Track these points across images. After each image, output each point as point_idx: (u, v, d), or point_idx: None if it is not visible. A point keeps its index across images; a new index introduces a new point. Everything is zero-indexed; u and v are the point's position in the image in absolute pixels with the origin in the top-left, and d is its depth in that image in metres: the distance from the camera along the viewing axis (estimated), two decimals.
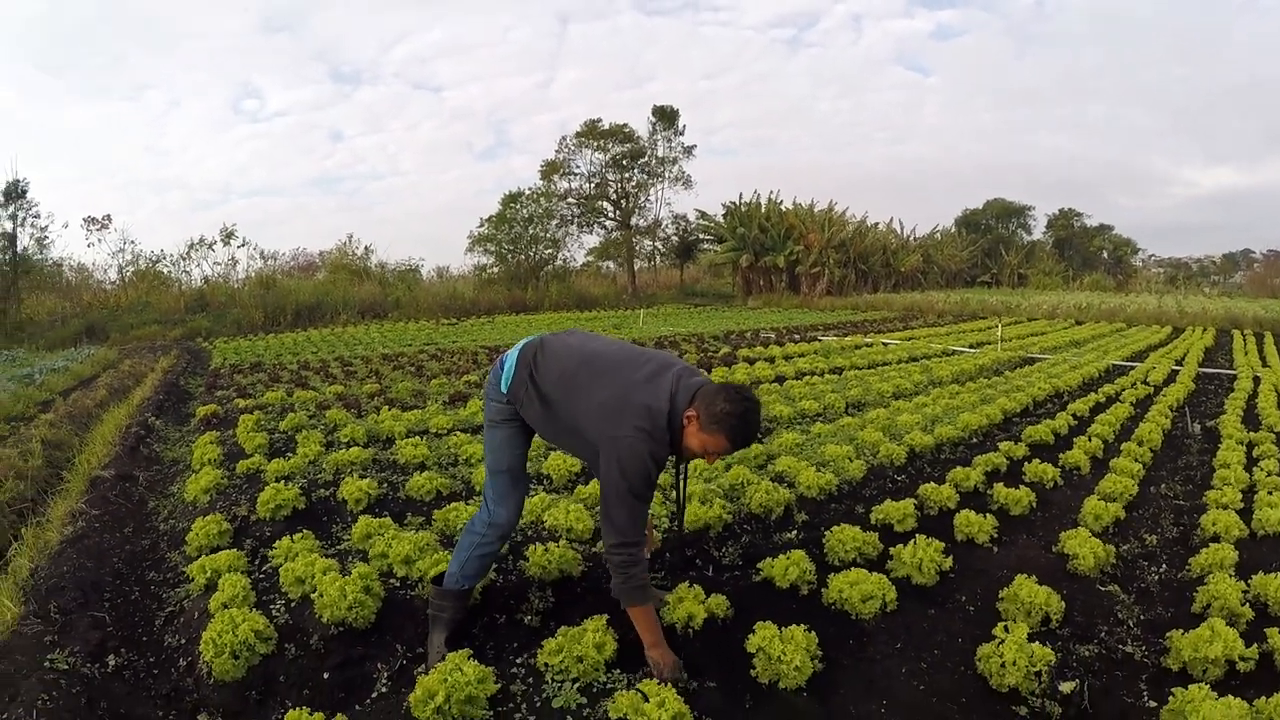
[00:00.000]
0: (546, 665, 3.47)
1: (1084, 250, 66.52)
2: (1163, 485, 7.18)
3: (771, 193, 52.70)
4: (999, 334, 20.60)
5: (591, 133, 50.38)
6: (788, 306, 43.39)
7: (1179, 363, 17.14)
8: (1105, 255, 67.47)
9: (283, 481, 6.33)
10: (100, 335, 30.55)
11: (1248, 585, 4.50)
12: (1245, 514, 6.07)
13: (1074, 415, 10.07)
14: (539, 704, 3.31)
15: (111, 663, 3.87)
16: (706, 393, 3.29)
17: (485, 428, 3.87)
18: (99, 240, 47.46)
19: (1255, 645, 3.69)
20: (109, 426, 10.19)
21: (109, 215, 39.80)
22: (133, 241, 41.84)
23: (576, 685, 3.40)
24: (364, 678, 3.69)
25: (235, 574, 4.38)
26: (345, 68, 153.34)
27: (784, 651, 3.45)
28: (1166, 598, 4.67)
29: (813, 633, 3.62)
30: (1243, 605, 4.23)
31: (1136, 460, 7.59)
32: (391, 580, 4.59)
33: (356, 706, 3.42)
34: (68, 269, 38.72)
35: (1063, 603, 4.20)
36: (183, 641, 4.11)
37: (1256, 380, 14.71)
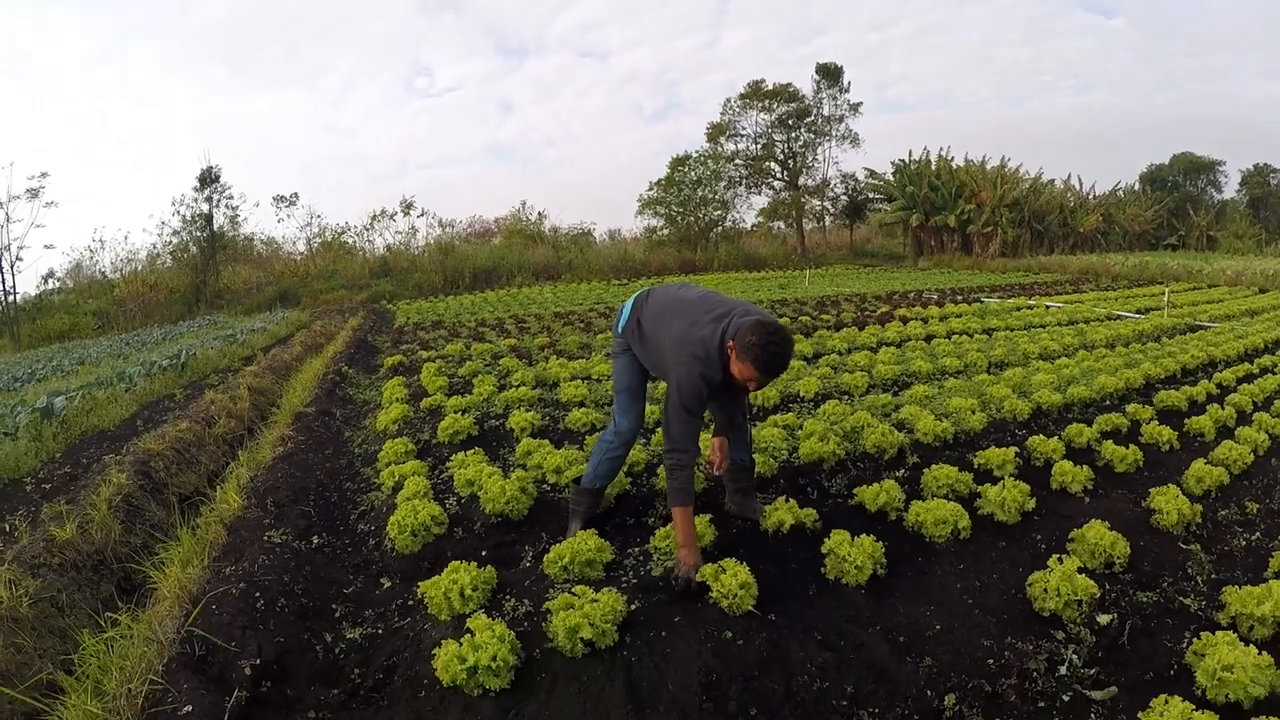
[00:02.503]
0: (655, 548, 4.36)
1: None
2: None
3: (942, 149, 51.33)
4: (1166, 299, 19.99)
5: (756, 94, 50.31)
6: (959, 268, 42.30)
7: None
8: None
9: (460, 414, 7.42)
10: (292, 300, 33.20)
11: None
12: None
13: (1218, 384, 9.81)
14: (643, 573, 4.16)
15: (315, 541, 5.03)
16: (744, 327, 3.86)
17: (611, 358, 4.81)
18: (288, 216, 51.38)
19: None
20: (307, 375, 11.59)
21: (295, 193, 43.09)
22: (318, 215, 45.09)
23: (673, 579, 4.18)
24: (515, 555, 4.69)
25: (417, 477, 5.52)
26: (511, 40, 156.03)
27: (850, 553, 4.15)
28: (1249, 562, 4.77)
29: (880, 543, 4.28)
30: None
31: (1265, 431, 7.43)
32: (544, 485, 5.58)
33: (505, 571, 4.31)
34: (259, 242, 42.46)
35: (1129, 549, 4.50)
36: (372, 528, 5.27)
37: None
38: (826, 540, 4.29)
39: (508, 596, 3.91)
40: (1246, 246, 51.03)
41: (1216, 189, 62.97)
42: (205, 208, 36.59)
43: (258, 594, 3.97)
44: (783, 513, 4.66)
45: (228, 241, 38.03)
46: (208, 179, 36.48)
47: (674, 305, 4.34)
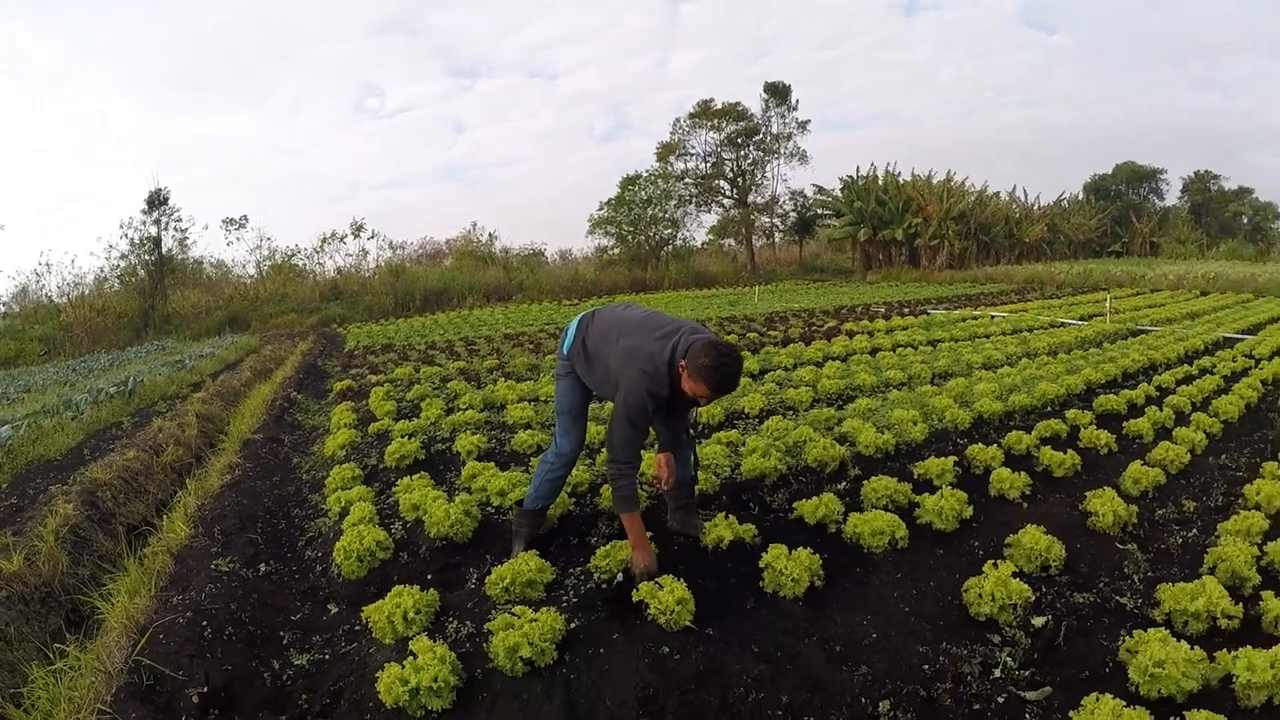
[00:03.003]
0: (596, 567, 4.41)
1: (1221, 216, 62.73)
2: (1225, 456, 7.22)
3: (889, 165, 51.82)
4: (1109, 305, 20.37)
5: (705, 113, 50.52)
6: (907, 280, 42.78)
7: None
8: (1244, 221, 63.64)
9: (407, 438, 7.46)
10: (242, 325, 32.82)
11: (1263, 552, 4.64)
12: None
13: (1158, 386, 10.02)
14: (583, 591, 4.23)
15: (262, 569, 5.06)
16: (695, 348, 4.02)
17: (555, 380, 4.84)
18: (237, 238, 50.62)
19: (1242, 606, 3.94)
20: (255, 401, 11.50)
21: (245, 215, 42.24)
22: (268, 238, 44.41)
23: (615, 580, 4.29)
24: (459, 578, 4.75)
25: (363, 502, 5.58)
26: (462, 62, 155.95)
27: (787, 566, 4.24)
28: (1185, 559, 4.89)
29: (817, 556, 4.38)
30: (1251, 570, 4.36)
31: (1202, 431, 7.63)
32: (489, 508, 5.67)
33: (448, 594, 4.36)
34: (209, 266, 41.78)
35: (1064, 552, 4.63)
36: (319, 555, 5.30)
37: None
38: (764, 554, 4.37)
39: (450, 618, 3.95)
40: (1189, 251, 52.27)
41: (1159, 196, 64.67)
42: (153, 230, 35.98)
43: (205, 622, 3.98)
44: (722, 529, 4.74)
45: (176, 265, 37.46)
46: (156, 201, 35.89)
47: (620, 324, 4.44)
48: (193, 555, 5.04)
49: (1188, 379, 10.96)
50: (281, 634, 4.17)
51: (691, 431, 4.98)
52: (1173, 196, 65.16)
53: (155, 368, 17.31)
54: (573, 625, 3.76)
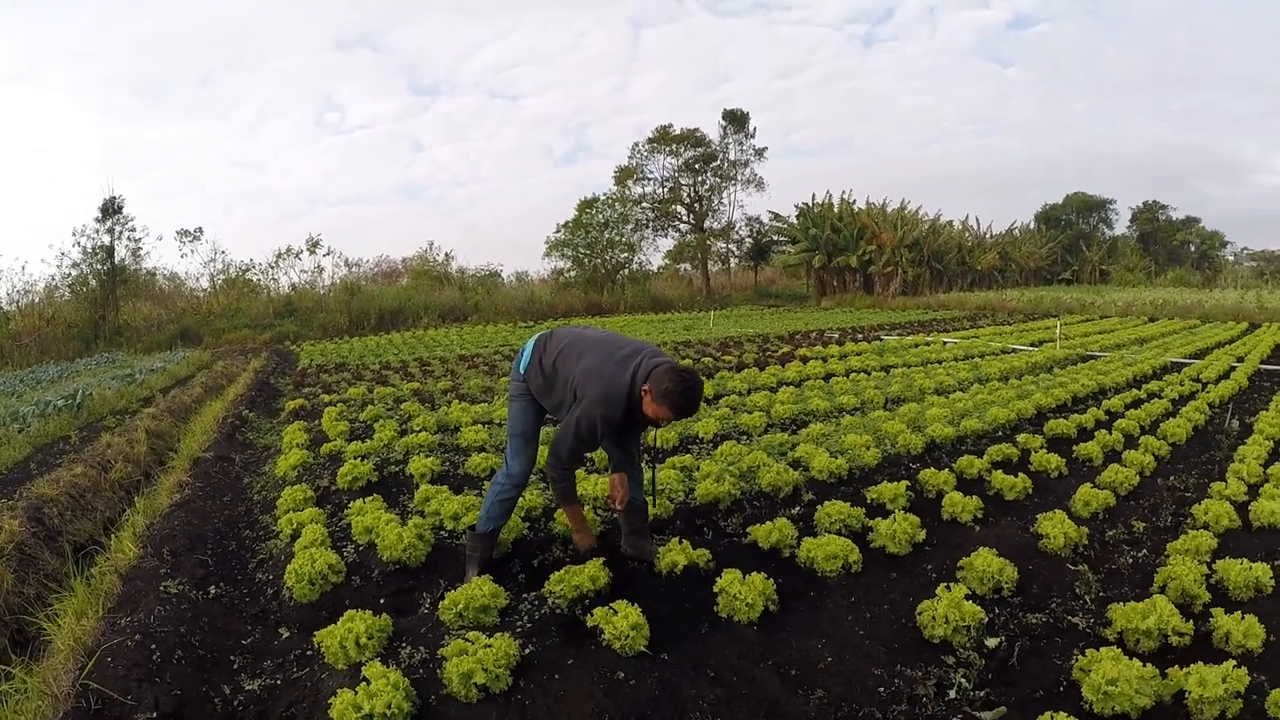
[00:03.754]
0: (550, 592, 4.37)
1: (1168, 244, 64.04)
2: (1173, 478, 7.36)
3: (844, 193, 52.49)
4: (1059, 331, 20.68)
5: (663, 138, 50.95)
6: (861, 307, 43.25)
7: (1240, 359, 16.71)
8: (1191, 249, 64.96)
9: (360, 459, 7.38)
10: (194, 339, 32.25)
11: (1211, 570, 4.74)
12: (1245, 506, 6.21)
13: (1107, 411, 10.20)
14: (538, 616, 4.20)
15: (212, 591, 4.95)
16: (658, 373, 4.14)
17: (508, 401, 4.87)
18: (191, 251, 49.44)
19: (1193, 623, 4.02)
20: (206, 418, 11.32)
21: (200, 227, 41.89)
22: (223, 251, 43.84)
23: (570, 605, 4.28)
24: (412, 602, 4.69)
25: (316, 525, 5.48)
26: (424, 80, 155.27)
27: (741, 591, 4.24)
28: (1136, 579, 4.98)
29: (771, 580, 4.39)
30: (1200, 588, 4.45)
31: (1151, 453, 7.79)
32: (442, 532, 5.60)
33: (401, 619, 4.30)
34: (162, 278, 40.78)
35: (1017, 574, 4.69)
36: (270, 577, 5.20)
37: None
38: (719, 579, 4.37)
39: (404, 644, 3.91)
40: (1137, 279, 53.45)
41: (1108, 225, 65.89)
42: (107, 240, 35.09)
43: (154, 646, 3.89)
44: (676, 554, 4.74)
45: (129, 275, 36.55)
46: (110, 210, 35.02)
47: (579, 342, 4.50)
48: (141, 576, 4.94)
49: (1136, 403, 11.22)
50: (232, 658, 4.08)
51: (645, 454, 5.01)
52: (1122, 226, 66.53)
53: (105, 381, 16.94)
54: (527, 651, 3.74)
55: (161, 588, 4.72)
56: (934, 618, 4.10)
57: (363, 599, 4.65)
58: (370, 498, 6.12)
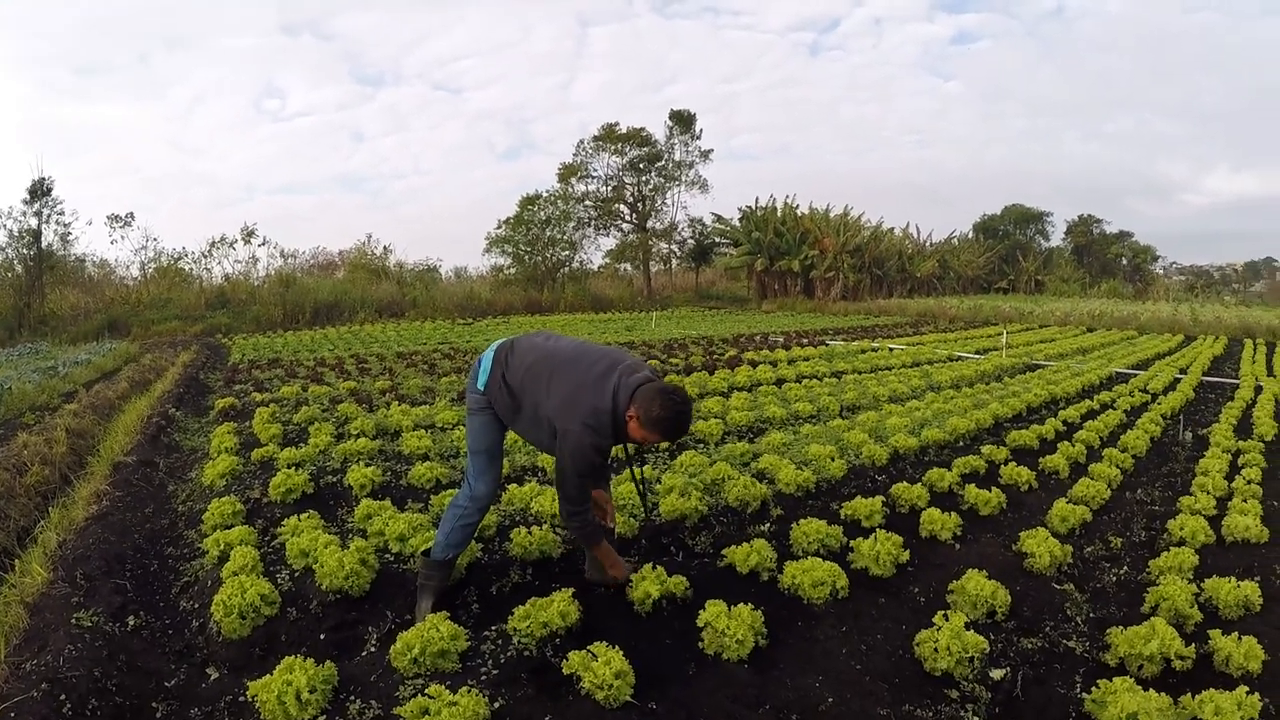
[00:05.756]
0: (515, 629, 3.91)
1: (1102, 257, 65.66)
2: (1140, 491, 7.27)
3: (788, 197, 52.81)
4: (1004, 340, 20.76)
5: (609, 136, 50.72)
6: (801, 311, 43.45)
7: (1183, 371, 16.98)
8: (1124, 262, 66.56)
9: (294, 468, 6.83)
10: (122, 330, 31.16)
11: (1200, 589, 4.67)
12: (1217, 520, 6.20)
13: (1064, 421, 10.15)
14: (504, 660, 3.75)
15: (131, 622, 4.35)
16: (644, 395, 3.77)
17: (467, 416, 4.38)
18: (122, 237, 48.20)
19: (1193, 645, 3.88)
20: (131, 417, 10.62)
21: (131, 213, 39.97)
22: (155, 239, 42.42)
23: (539, 645, 3.84)
24: (356, 639, 4.14)
25: (246, 546, 4.89)
26: (368, 69, 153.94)
27: (729, 626, 3.83)
28: (1121, 598, 4.84)
29: (759, 611, 3.99)
30: (1192, 608, 4.38)
31: (1116, 466, 7.70)
32: (387, 555, 5.06)
33: (346, 661, 3.83)
34: (90, 265, 39.50)
35: (1009, 597, 4.46)
36: (196, 606, 4.61)
37: (1259, 389, 14.49)
38: (702, 612, 3.97)
39: (352, 697, 3.44)
40: (1072, 289, 54.70)
41: (1045, 237, 67.47)
42: (34, 223, 33.72)
43: (63, 696, 3.32)
44: (650, 583, 4.32)
45: (56, 262, 35.24)
46: (39, 191, 33.61)
47: (547, 359, 4.05)
48: (51, 606, 4.32)
49: (1091, 414, 11.22)
50: (154, 705, 3.55)
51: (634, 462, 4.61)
52: (1057, 238, 67.94)
53: (26, 373, 16.10)
54: (497, 705, 3.27)
55: (74, 620, 4.12)
56: (935, 649, 3.81)
57: (300, 635, 4.15)
58: (306, 514, 5.55)
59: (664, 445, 7.64)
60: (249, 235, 40.47)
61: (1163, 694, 3.33)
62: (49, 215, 34.15)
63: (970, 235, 63.87)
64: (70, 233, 35.33)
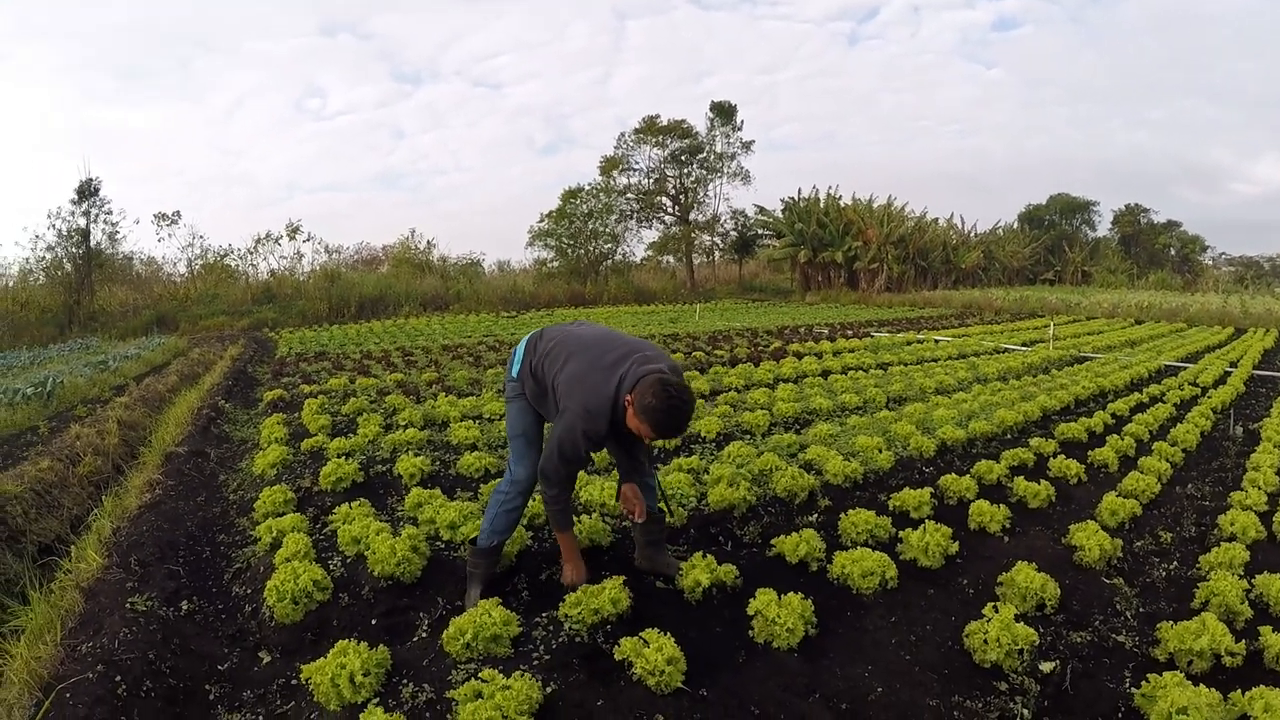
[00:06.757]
0: (566, 616, 3.92)
1: (1150, 247, 64.25)
2: (1190, 485, 7.15)
3: (830, 188, 52.34)
4: (1051, 332, 20.49)
5: (650, 129, 50.50)
6: (845, 302, 43.03)
7: (1233, 364, 16.58)
8: (1172, 253, 65.17)
9: (344, 458, 6.93)
10: (170, 325, 31.62)
11: (1251, 585, 4.58)
12: (1268, 516, 6.08)
13: (1113, 414, 10.01)
14: (555, 645, 3.77)
15: (184, 607, 4.44)
16: (645, 383, 3.66)
17: (506, 401, 4.42)
18: (169, 235, 48.71)
19: (1244, 641, 3.81)
20: (181, 409, 10.78)
21: (178, 211, 40.86)
22: (201, 236, 42.81)
23: (590, 632, 3.85)
24: (408, 625, 4.19)
25: (298, 533, 4.96)
26: (406, 67, 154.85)
27: (779, 614, 3.83)
28: (1171, 593, 4.76)
29: (809, 600, 3.99)
30: (1243, 604, 4.30)
31: (1166, 460, 7.59)
32: (438, 543, 5.11)
33: (398, 646, 3.86)
34: (138, 262, 40.07)
35: (1059, 590, 4.41)
36: (248, 591, 4.69)
37: None
38: (752, 600, 3.98)
39: (405, 680, 3.48)
40: (1119, 281, 53.63)
41: (1091, 227, 65.85)
42: (82, 222, 34.26)
43: (119, 677, 3.41)
44: (700, 571, 4.34)
45: (105, 260, 35.84)
46: (86, 192, 34.22)
47: (567, 342, 4.09)
48: (106, 591, 4.43)
49: (1140, 407, 11.05)
50: (207, 687, 3.63)
51: (651, 458, 4.58)
52: (1104, 228, 66.55)
53: (77, 368, 16.40)
54: (549, 690, 3.29)
55: (128, 604, 4.22)
56: (985, 641, 3.78)
57: (352, 620, 4.21)
58: (356, 502, 5.65)
59: (658, 443, 7.35)
60: (294, 231, 40.86)
61: (1212, 690, 3.29)
62: (97, 215, 34.78)
63: (1015, 225, 62.71)
64: (118, 231, 35.97)
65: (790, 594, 4.00)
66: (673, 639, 3.47)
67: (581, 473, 6.24)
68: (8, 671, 3.65)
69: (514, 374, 4.28)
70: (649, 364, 3.81)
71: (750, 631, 3.93)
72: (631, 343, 4.04)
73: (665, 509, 4.98)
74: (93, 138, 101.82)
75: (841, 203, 50.57)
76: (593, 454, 4.23)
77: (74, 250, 34.14)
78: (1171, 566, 5.20)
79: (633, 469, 4.41)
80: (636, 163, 51.90)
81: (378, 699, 3.28)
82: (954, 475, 6.49)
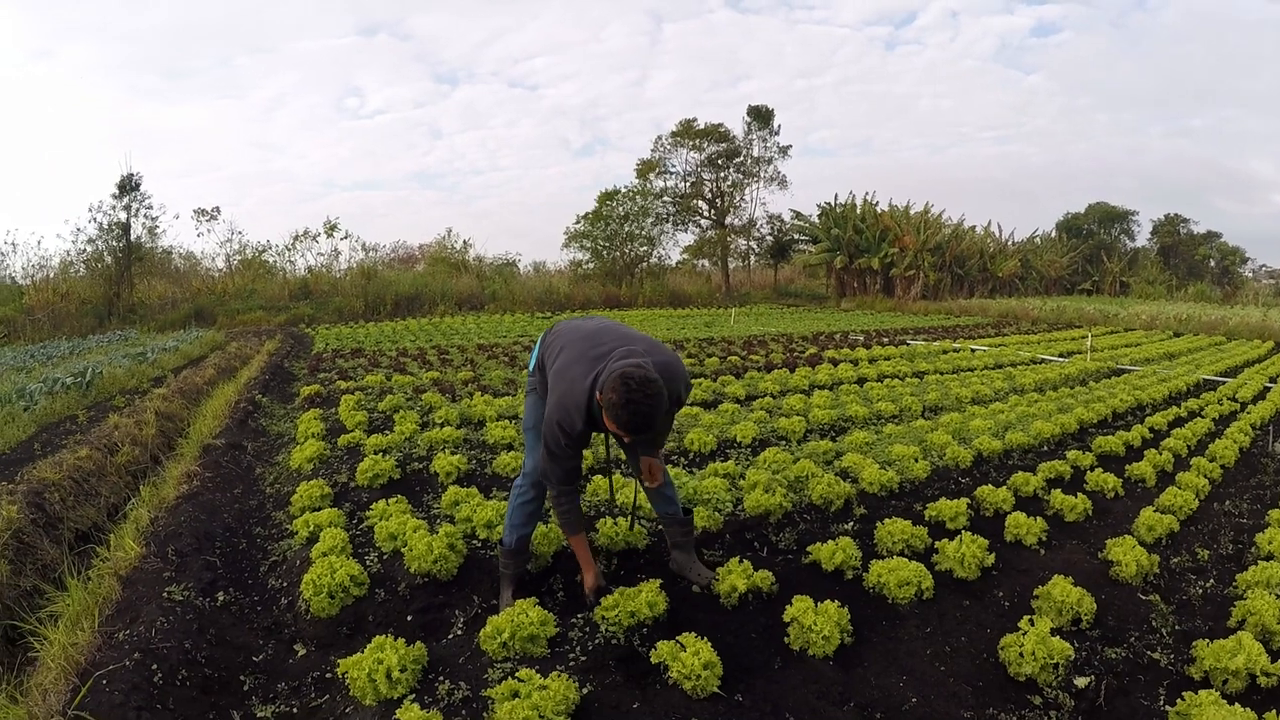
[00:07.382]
0: (603, 618, 3.94)
1: (1189, 258, 63.29)
2: (1228, 502, 7.08)
3: (867, 194, 51.96)
4: (1089, 344, 20.29)
5: (687, 132, 50.38)
6: (881, 309, 42.80)
7: (1273, 379, 16.29)
8: (1212, 264, 64.22)
9: (380, 454, 6.96)
10: (208, 319, 32.06)
11: None
12: None
13: (1150, 428, 9.88)
14: (591, 647, 3.78)
15: (221, 598, 4.50)
16: (609, 379, 3.48)
17: (525, 395, 4.45)
18: (208, 230, 49.46)
19: (1279, 662, 3.75)
20: (218, 402, 10.91)
21: (217, 207, 41.56)
22: (239, 232, 43.58)
23: (626, 634, 3.86)
24: (443, 622, 4.22)
25: (335, 528, 5.00)
26: (443, 68, 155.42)
27: (815, 622, 3.82)
28: (1207, 611, 4.72)
29: (845, 609, 3.97)
30: (1279, 624, 4.23)
31: (1204, 476, 7.48)
32: (474, 541, 5.13)
33: (434, 643, 3.89)
34: (177, 257, 40.65)
35: (1095, 605, 4.36)
36: (284, 584, 4.75)
37: None
38: (789, 607, 3.98)
39: (441, 678, 3.50)
40: (1157, 292, 52.93)
41: (1130, 237, 65.02)
42: (123, 216, 34.69)
43: (154, 665, 3.47)
44: (736, 577, 4.33)
45: (144, 253, 36.29)
46: (127, 186, 34.69)
47: (566, 334, 4.10)
48: (143, 580, 4.50)
49: (1178, 421, 10.89)
50: (242, 678, 3.68)
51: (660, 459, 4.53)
52: (1143, 238, 65.72)
53: (116, 359, 16.62)
54: (585, 691, 3.31)
55: (165, 593, 4.29)
56: (1020, 654, 3.75)
57: (388, 616, 4.25)
58: (394, 498, 5.70)
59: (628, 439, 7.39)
60: (331, 229, 41.26)
61: (1248, 709, 3.27)
62: (137, 209, 35.23)
63: (1053, 234, 62.15)
64: (158, 226, 36.42)
65: (827, 601, 3.99)
66: (709, 644, 3.48)
67: (619, 476, 6.25)
68: (45, 657, 3.71)
69: (530, 367, 4.33)
70: (629, 358, 3.62)
71: (785, 638, 3.93)
72: (625, 336, 3.94)
73: (629, 521, 5.02)
74: (136, 134, 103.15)
75: (878, 209, 50.25)
76: (583, 451, 4.01)
77: (114, 243, 34.60)
78: (1208, 584, 5.14)
79: (636, 471, 4.39)
80: (673, 166, 51.84)
81: (414, 695, 3.30)
82: (990, 486, 6.45)
